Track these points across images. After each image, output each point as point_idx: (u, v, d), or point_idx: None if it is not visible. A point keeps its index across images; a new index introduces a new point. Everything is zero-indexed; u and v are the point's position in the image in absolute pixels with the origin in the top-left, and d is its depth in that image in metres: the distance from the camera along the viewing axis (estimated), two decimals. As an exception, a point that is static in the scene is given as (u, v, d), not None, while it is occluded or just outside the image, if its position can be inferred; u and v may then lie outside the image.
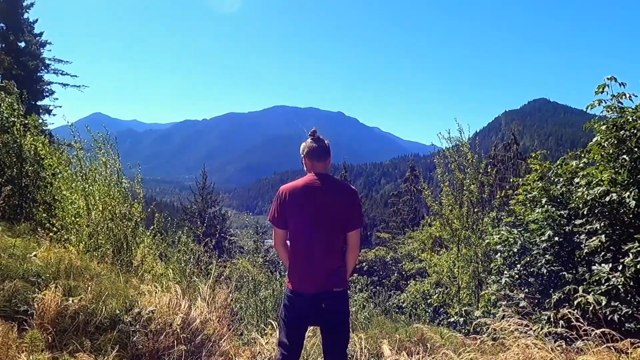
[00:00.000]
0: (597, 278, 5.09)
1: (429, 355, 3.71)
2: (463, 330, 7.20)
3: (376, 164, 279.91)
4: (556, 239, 5.92)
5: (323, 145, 3.14)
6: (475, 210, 9.39)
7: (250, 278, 6.23)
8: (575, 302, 5.09)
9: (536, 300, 6.11)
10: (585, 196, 5.69)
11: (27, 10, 25.75)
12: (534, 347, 3.60)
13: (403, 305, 14.97)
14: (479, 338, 4.17)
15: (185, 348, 3.38)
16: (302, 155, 3.16)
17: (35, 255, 3.74)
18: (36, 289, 3.35)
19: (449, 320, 8.01)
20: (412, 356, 3.62)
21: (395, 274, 21.72)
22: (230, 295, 4.50)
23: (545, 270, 5.91)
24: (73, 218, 6.00)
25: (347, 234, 3.04)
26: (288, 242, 3.08)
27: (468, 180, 9.50)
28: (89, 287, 3.42)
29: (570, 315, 4.43)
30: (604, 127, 5.80)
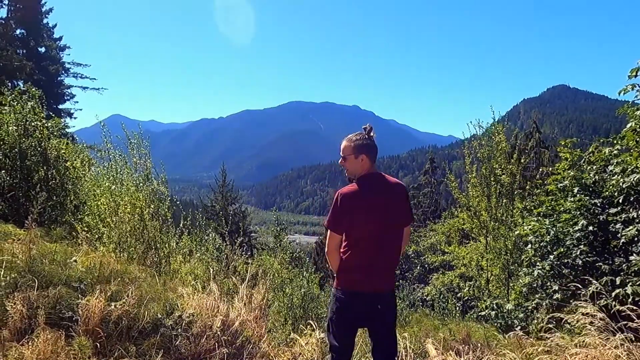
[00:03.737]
0: (635, 269, 4.95)
1: (479, 357, 3.57)
2: (495, 324, 7.09)
3: (393, 156, 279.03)
4: (590, 228, 5.76)
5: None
6: (504, 201, 9.18)
7: (283, 277, 6.20)
8: (614, 294, 4.96)
9: (570, 292, 5.96)
10: (621, 184, 5.53)
11: (47, 15, 26.21)
12: (597, 347, 3.38)
13: (427, 299, 14.87)
14: (548, 337, 3.87)
15: (226, 351, 3.35)
16: (358, 154, 2.94)
17: (75, 261, 3.78)
18: (79, 295, 3.36)
19: (479, 314, 7.89)
20: (461, 356, 3.51)
21: (418, 267, 21.58)
22: (267, 295, 4.46)
23: (580, 261, 5.76)
24: (102, 217, 6.05)
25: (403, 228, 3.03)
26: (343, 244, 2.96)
27: (499, 170, 9.25)
28: (130, 292, 3.45)
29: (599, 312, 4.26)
30: (638, 113, 5.63)
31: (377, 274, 2.89)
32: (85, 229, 6.27)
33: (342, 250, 2.96)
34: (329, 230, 2.94)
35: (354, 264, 2.90)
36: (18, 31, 24.71)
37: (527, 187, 9.08)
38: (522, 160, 9.81)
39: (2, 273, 3.15)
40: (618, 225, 5.55)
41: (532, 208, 7.36)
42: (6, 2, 23.17)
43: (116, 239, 5.48)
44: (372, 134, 3.00)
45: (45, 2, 25.83)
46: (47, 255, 3.68)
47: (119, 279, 3.56)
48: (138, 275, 3.89)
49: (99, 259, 3.82)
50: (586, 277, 5.61)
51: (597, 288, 5.26)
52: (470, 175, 9.75)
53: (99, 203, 5.99)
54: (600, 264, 5.54)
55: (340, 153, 3.04)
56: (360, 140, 2.96)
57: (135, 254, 5.28)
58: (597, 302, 5.01)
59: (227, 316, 3.61)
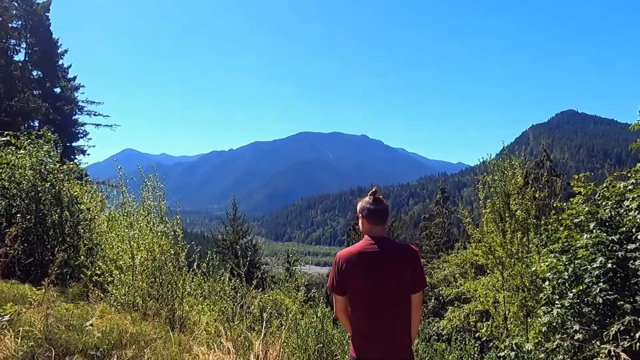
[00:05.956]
0: (660, 309, 4.80)
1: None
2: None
3: (403, 185, 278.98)
4: (609, 265, 5.62)
5: (384, 208, 3.02)
6: (519, 235, 9.01)
7: (297, 319, 6.07)
8: (638, 335, 4.80)
9: (592, 332, 5.77)
10: (638, 220, 5.43)
11: (62, 56, 27.02)
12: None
13: (443, 333, 14.52)
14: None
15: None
16: (361, 216, 3.03)
17: (91, 325, 3.69)
18: (96, 364, 3.27)
19: (498, 355, 7.65)
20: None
21: (433, 300, 21.15)
22: (282, 349, 4.35)
23: (600, 300, 5.60)
24: (116, 262, 6.01)
25: (411, 296, 2.92)
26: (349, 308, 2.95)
27: (514, 206, 9.12)
28: (146, 356, 3.36)
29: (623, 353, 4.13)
30: (652, 148, 5.59)
31: (380, 341, 2.80)
32: (98, 272, 6.24)
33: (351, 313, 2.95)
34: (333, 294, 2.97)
35: (358, 329, 2.88)
36: (35, 73, 25.49)
37: (543, 221, 8.93)
38: (537, 196, 9.69)
39: (19, 342, 3.11)
40: (637, 262, 5.42)
41: (548, 243, 7.21)
42: (24, 46, 23.99)
43: (130, 288, 5.39)
44: (377, 195, 3.05)
45: (61, 44, 26.71)
46: (63, 319, 3.62)
47: (135, 344, 3.48)
48: (153, 336, 3.79)
49: (114, 321, 3.75)
50: (608, 317, 5.45)
51: (619, 328, 5.10)
52: (484, 211, 9.62)
53: (114, 247, 5.98)
54: (621, 302, 5.37)
55: None
56: (363, 203, 3.05)
57: (150, 307, 5.19)
58: (621, 344, 4.86)
59: (242, 378, 3.49)
